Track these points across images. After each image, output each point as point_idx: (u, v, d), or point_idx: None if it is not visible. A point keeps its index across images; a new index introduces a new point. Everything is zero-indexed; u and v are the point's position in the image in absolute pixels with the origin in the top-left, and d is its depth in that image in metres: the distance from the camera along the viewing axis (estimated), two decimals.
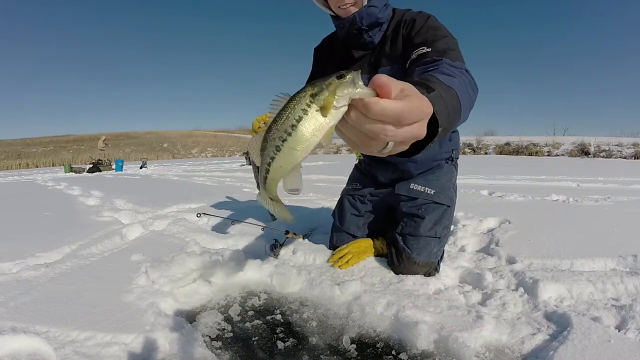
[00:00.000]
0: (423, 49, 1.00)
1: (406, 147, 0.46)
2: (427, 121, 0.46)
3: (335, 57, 1.30)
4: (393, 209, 1.50)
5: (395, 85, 0.42)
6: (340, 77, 0.39)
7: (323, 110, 0.38)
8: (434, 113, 0.49)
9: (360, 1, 1.10)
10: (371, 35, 1.16)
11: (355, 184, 1.64)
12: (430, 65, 0.89)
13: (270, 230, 1.87)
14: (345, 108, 0.40)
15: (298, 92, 0.41)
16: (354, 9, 1.11)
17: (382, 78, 0.40)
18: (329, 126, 0.40)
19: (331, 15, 1.18)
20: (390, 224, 1.50)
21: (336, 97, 0.38)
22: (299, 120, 0.40)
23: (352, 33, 1.15)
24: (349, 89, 0.39)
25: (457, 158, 1.51)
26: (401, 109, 0.39)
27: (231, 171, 8.06)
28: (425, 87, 0.55)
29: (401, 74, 1.10)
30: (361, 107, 0.39)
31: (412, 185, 1.40)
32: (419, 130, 0.44)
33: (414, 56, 1.02)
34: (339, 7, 1.11)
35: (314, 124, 0.39)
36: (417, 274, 1.34)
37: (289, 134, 0.41)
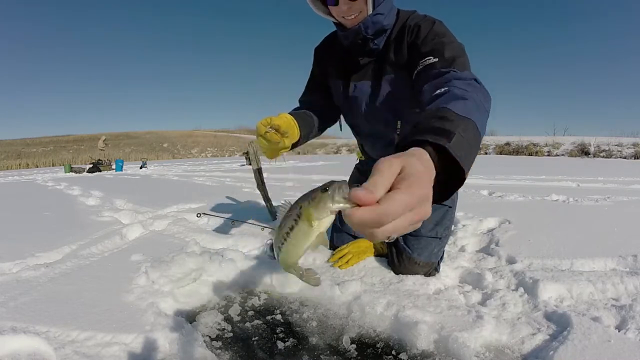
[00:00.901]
0: (430, 59, 0.96)
1: (416, 228, 0.41)
2: (430, 200, 0.41)
3: (337, 59, 1.25)
4: None
5: (387, 177, 0.39)
6: (324, 189, 0.41)
7: (307, 221, 0.43)
8: (457, 161, 0.50)
9: (365, 9, 1.04)
10: (377, 43, 1.11)
11: (356, 185, 1.63)
12: (440, 82, 0.84)
13: (270, 230, 1.87)
14: (330, 217, 0.42)
15: (294, 203, 0.47)
16: (360, 17, 1.05)
17: (359, 193, 0.37)
18: (315, 234, 0.45)
19: (334, 23, 1.13)
20: None
21: (317, 210, 0.41)
22: (291, 228, 0.47)
23: (357, 42, 1.11)
24: (328, 204, 0.40)
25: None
26: (379, 215, 0.36)
27: (231, 171, 8.06)
28: (444, 134, 0.52)
29: (406, 82, 1.07)
30: (344, 217, 0.38)
31: None
32: (419, 215, 0.39)
33: (420, 67, 0.98)
34: (343, 17, 1.06)
35: (303, 232, 0.45)
36: (418, 274, 1.34)
37: (285, 239, 0.49)
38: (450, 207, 1.38)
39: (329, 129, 1.42)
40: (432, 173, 0.46)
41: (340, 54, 1.20)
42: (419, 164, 0.42)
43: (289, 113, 1.15)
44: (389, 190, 0.38)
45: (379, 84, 1.14)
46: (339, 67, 1.24)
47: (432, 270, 1.36)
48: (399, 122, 1.18)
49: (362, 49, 1.13)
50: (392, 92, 1.12)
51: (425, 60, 0.97)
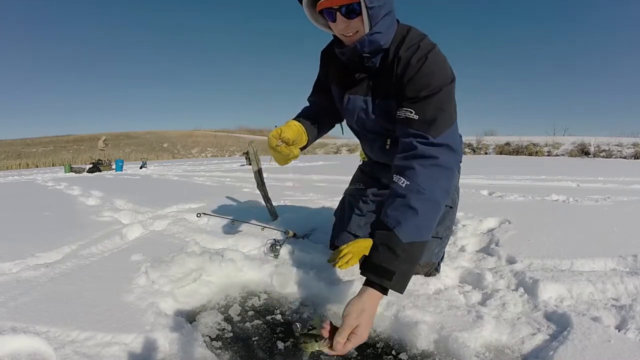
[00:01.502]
0: (411, 114, 0.99)
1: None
2: (375, 313, 0.85)
3: (337, 67, 1.25)
4: None
5: (345, 332, 0.78)
6: (312, 338, 0.78)
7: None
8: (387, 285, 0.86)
9: (362, 28, 1.02)
10: (373, 62, 1.11)
11: (358, 184, 1.63)
12: (407, 156, 0.97)
13: (270, 230, 1.87)
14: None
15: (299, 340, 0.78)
16: (357, 36, 1.04)
17: (337, 346, 0.78)
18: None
19: (334, 36, 1.13)
20: None
21: (306, 350, 0.77)
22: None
23: (354, 60, 1.11)
24: (314, 348, 0.77)
25: (461, 161, 1.49)
26: (342, 351, 0.78)
27: (231, 171, 8.06)
28: (385, 276, 0.86)
29: (393, 109, 1.09)
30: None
31: None
32: (362, 342, 0.81)
33: (401, 115, 1.02)
34: (342, 34, 1.05)
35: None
36: (418, 274, 1.33)
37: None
38: (450, 207, 1.36)
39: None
40: (377, 302, 0.86)
41: (340, 63, 1.21)
42: (369, 310, 0.83)
43: (297, 119, 1.23)
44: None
45: (371, 102, 1.18)
46: (338, 76, 1.26)
47: (432, 270, 1.35)
48: (388, 140, 1.25)
49: (359, 66, 1.14)
50: (380, 115, 1.17)
51: (407, 111, 1.01)
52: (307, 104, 1.47)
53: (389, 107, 1.12)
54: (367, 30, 1.02)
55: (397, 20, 1.12)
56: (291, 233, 1.69)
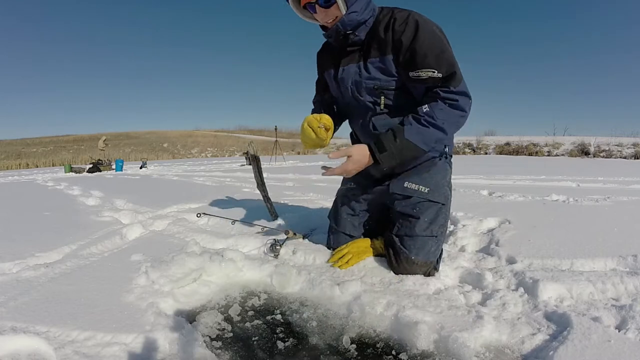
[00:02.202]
0: (433, 73, 1.17)
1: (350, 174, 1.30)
2: (364, 164, 1.27)
3: (331, 54, 1.41)
4: (388, 208, 1.49)
5: (339, 153, 1.25)
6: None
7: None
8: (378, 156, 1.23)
9: (340, 13, 1.21)
10: (357, 34, 1.27)
11: (349, 184, 1.64)
12: (430, 99, 1.21)
13: (270, 230, 1.87)
14: None
15: None
16: (337, 21, 1.23)
17: (334, 171, 1.23)
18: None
19: (320, 26, 1.32)
20: (387, 223, 1.50)
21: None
22: None
23: (339, 38, 1.28)
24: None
25: (451, 156, 1.51)
26: (339, 172, 1.28)
27: (231, 171, 8.06)
28: (379, 147, 1.23)
29: (390, 65, 1.25)
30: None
31: (406, 184, 1.39)
32: (358, 169, 1.29)
33: (423, 75, 1.19)
34: (324, 22, 1.27)
35: None
36: (417, 273, 1.34)
37: None
38: (443, 204, 1.37)
39: None
40: (365, 158, 1.26)
41: (333, 49, 1.38)
42: (361, 155, 1.26)
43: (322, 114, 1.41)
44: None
45: (364, 65, 1.30)
46: (331, 58, 1.41)
47: (431, 269, 1.35)
48: (382, 97, 1.32)
49: (346, 42, 1.29)
50: (376, 73, 1.29)
51: (428, 71, 1.18)
52: (313, 107, 1.61)
53: (384, 62, 1.26)
54: (343, 13, 1.20)
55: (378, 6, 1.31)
56: (291, 233, 1.69)
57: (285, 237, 1.69)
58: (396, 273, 1.36)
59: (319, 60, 1.52)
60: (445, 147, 1.45)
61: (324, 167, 1.37)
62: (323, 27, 1.31)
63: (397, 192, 1.40)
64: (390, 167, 1.28)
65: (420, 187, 1.36)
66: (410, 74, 1.21)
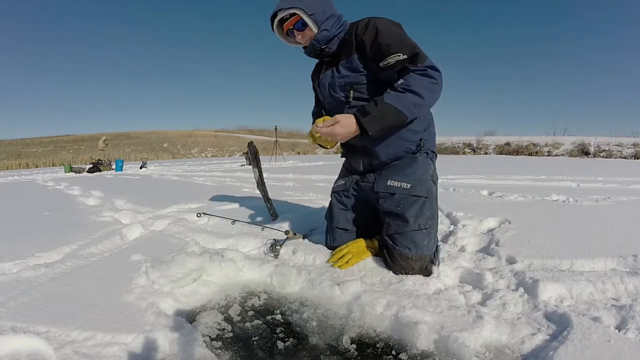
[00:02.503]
0: (400, 56, 1.30)
1: (344, 139, 1.36)
2: (352, 131, 1.31)
3: (318, 69, 1.61)
4: (377, 207, 1.53)
5: (329, 122, 1.32)
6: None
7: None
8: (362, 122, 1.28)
9: (312, 34, 1.42)
10: (330, 47, 1.47)
11: (340, 181, 1.71)
12: (402, 75, 1.31)
13: (270, 230, 1.87)
14: None
15: None
16: (311, 39, 1.43)
17: (322, 129, 1.33)
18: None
19: (302, 47, 1.51)
20: (378, 221, 1.54)
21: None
22: None
23: (316, 53, 1.49)
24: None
25: (433, 152, 1.56)
26: (326, 132, 1.33)
27: (231, 171, 8.06)
28: (362, 113, 1.29)
29: (356, 64, 1.41)
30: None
31: (389, 182, 1.44)
32: (346, 134, 1.33)
33: (392, 61, 1.31)
34: (303, 44, 1.48)
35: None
36: (414, 269, 1.34)
37: None
38: (426, 197, 1.39)
39: None
40: (352, 126, 1.31)
41: (318, 64, 1.61)
42: (349, 121, 1.31)
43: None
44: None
45: (337, 68, 1.48)
46: (317, 71, 1.62)
47: (427, 263, 1.35)
48: (351, 92, 1.46)
49: (322, 54, 1.50)
50: (345, 72, 1.45)
51: (395, 56, 1.30)
52: (312, 118, 1.74)
53: (351, 61, 1.42)
54: (315, 32, 1.41)
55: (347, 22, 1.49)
56: (291, 233, 1.69)
57: (286, 237, 1.69)
58: (395, 272, 1.37)
59: (313, 79, 1.70)
60: (420, 140, 1.50)
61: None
62: (304, 48, 1.51)
63: (381, 190, 1.45)
64: (376, 133, 1.29)
65: (403, 183, 1.41)
66: (381, 64, 1.34)
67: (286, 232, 1.67)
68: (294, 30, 1.44)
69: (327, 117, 1.41)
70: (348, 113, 1.38)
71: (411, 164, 1.46)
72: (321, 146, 1.49)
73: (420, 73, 1.29)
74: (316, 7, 1.38)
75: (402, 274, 1.35)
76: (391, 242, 1.38)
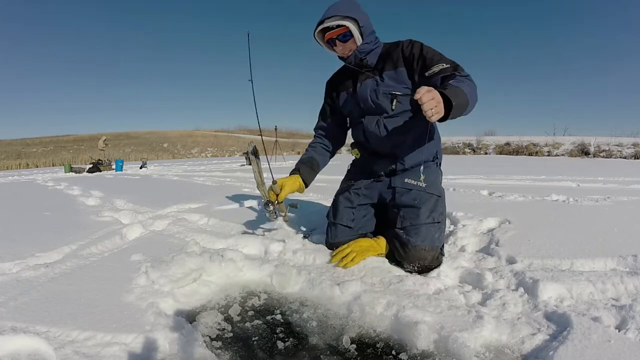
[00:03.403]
0: (442, 65, 1.42)
1: (442, 111, 1.22)
2: (441, 102, 1.21)
3: (347, 77, 1.68)
4: (385, 205, 1.64)
5: (425, 89, 1.18)
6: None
7: None
8: (449, 99, 1.23)
9: (355, 46, 1.51)
10: (369, 60, 1.56)
11: (349, 181, 1.77)
12: (449, 77, 1.40)
13: (270, 230, 1.87)
14: None
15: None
16: (351, 53, 1.53)
17: (420, 91, 1.18)
18: None
19: (338, 56, 1.61)
20: (381, 221, 1.67)
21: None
22: None
23: (357, 62, 1.56)
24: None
25: (440, 163, 1.74)
26: (427, 98, 1.17)
27: (231, 171, 8.06)
28: (443, 88, 1.26)
29: (401, 76, 1.53)
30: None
31: (406, 180, 1.58)
32: (439, 104, 1.20)
33: (436, 70, 1.43)
34: (342, 54, 1.56)
35: None
36: (427, 259, 1.41)
37: None
38: (439, 196, 1.55)
39: None
40: (440, 97, 1.22)
41: (348, 74, 1.66)
42: (437, 93, 1.21)
43: (297, 169, 1.76)
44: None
45: (381, 77, 1.56)
46: (347, 80, 1.68)
47: (437, 254, 1.43)
48: (394, 102, 1.55)
49: (361, 65, 1.57)
50: (390, 82, 1.55)
51: (439, 65, 1.43)
52: (314, 134, 1.88)
53: (398, 74, 1.54)
54: (359, 44, 1.51)
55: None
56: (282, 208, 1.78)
57: (271, 205, 1.73)
58: (407, 262, 1.43)
59: (331, 87, 1.77)
60: (435, 152, 1.70)
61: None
62: (341, 57, 1.60)
63: (398, 185, 1.58)
64: (456, 110, 1.27)
65: (419, 182, 1.55)
66: (426, 73, 1.47)
67: (273, 182, 1.69)
68: (336, 40, 1.53)
69: (288, 189, 1.68)
70: (385, 123, 1.57)
71: (425, 170, 1.58)
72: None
73: (464, 77, 1.41)
74: (366, 22, 1.50)
75: (414, 265, 1.41)
76: (405, 235, 1.45)
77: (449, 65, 1.43)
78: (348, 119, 1.79)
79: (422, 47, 1.50)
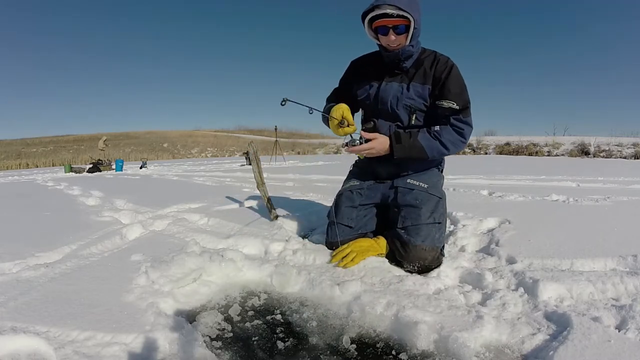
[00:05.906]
0: (454, 105, 1.51)
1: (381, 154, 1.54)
2: (385, 148, 1.54)
3: (375, 68, 1.66)
4: (386, 206, 1.64)
5: (379, 141, 1.53)
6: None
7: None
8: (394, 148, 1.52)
9: (404, 42, 1.48)
10: (406, 64, 1.57)
11: (353, 182, 1.76)
12: (443, 122, 1.55)
13: (270, 231, 1.87)
14: None
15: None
16: (399, 47, 1.50)
17: (361, 147, 1.54)
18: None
19: (378, 45, 1.57)
20: (381, 221, 1.68)
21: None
22: None
23: (394, 61, 1.56)
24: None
25: (443, 169, 1.80)
26: (366, 148, 1.53)
27: (231, 171, 8.06)
28: (397, 139, 1.53)
29: (424, 93, 1.56)
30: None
31: (408, 180, 1.61)
32: (378, 153, 1.55)
33: (445, 105, 1.52)
34: (388, 44, 1.50)
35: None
36: (427, 259, 1.41)
37: None
38: (440, 197, 1.58)
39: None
40: (386, 144, 1.54)
41: (378, 65, 1.64)
42: (384, 140, 1.54)
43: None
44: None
45: (407, 86, 1.58)
46: (375, 73, 1.65)
47: (438, 254, 1.44)
48: (413, 116, 1.59)
49: (396, 65, 1.58)
50: (414, 95, 1.57)
51: (450, 104, 1.52)
52: (325, 102, 1.79)
53: (423, 89, 1.56)
54: (407, 43, 1.48)
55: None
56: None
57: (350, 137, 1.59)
58: (408, 262, 1.43)
59: (355, 69, 1.75)
60: (441, 160, 1.76)
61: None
62: (382, 47, 1.56)
63: (400, 185, 1.61)
64: (399, 159, 1.54)
65: (421, 183, 1.59)
66: (437, 102, 1.55)
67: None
68: (390, 30, 1.45)
69: (349, 129, 1.53)
70: (396, 131, 1.59)
71: (428, 172, 1.68)
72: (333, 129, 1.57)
73: (456, 129, 1.53)
74: (419, 24, 1.48)
75: (414, 265, 1.41)
76: (406, 235, 1.46)
77: (457, 108, 1.51)
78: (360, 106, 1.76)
79: (449, 75, 1.53)
